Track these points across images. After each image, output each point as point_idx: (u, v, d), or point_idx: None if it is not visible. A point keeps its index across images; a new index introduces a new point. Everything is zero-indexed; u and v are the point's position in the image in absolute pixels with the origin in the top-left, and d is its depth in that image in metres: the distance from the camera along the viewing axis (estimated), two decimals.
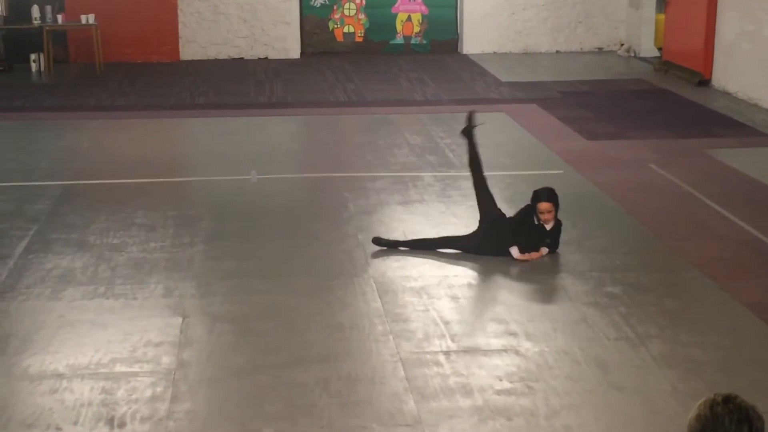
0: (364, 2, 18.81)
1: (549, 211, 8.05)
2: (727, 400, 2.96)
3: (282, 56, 18.54)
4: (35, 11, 16.81)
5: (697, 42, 15.78)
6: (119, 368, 6.23)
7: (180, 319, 6.95)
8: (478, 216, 8.45)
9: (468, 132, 8.52)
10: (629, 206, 9.52)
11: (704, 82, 15.62)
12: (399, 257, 8.17)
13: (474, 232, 8.23)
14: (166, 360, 6.34)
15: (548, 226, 8.10)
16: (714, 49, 15.52)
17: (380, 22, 18.88)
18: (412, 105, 14.44)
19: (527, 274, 7.84)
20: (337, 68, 17.37)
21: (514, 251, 8.01)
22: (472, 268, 7.97)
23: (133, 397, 5.87)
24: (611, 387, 6.02)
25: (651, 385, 6.03)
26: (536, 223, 8.10)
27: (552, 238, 8.17)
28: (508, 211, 9.27)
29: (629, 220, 9.17)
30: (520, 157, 11.46)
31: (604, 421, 5.68)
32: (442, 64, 17.74)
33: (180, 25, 18.26)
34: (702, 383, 6.01)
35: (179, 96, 15.14)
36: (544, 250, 8.11)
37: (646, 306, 7.20)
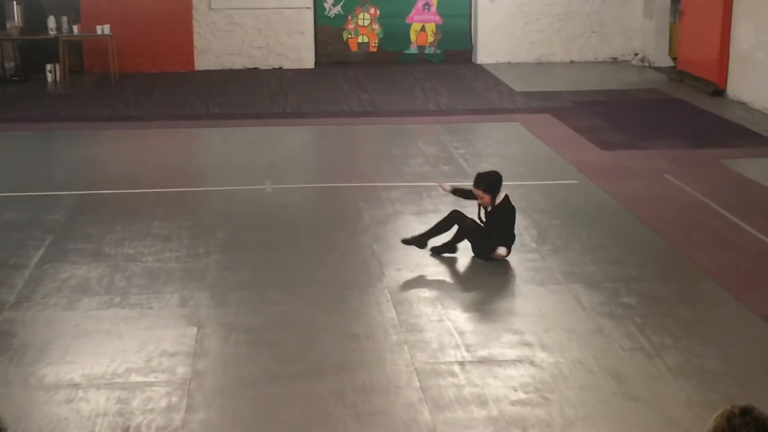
0: (378, 12, 18.85)
1: (482, 197, 8.32)
2: (745, 412, 2.96)
3: (296, 66, 18.59)
4: (51, 22, 16.90)
5: (711, 52, 15.75)
6: (134, 378, 6.25)
7: (195, 329, 6.96)
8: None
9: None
10: (644, 216, 9.50)
11: (719, 91, 15.58)
12: (414, 267, 8.17)
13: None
14: (182, 370, 6.35)
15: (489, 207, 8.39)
16: (729, 59, 15.49)
17: (394, 32, 18.91)
18: (427, 115, 14.45)
19: (542, 284, 7.83)
20: (352, 78, 17.40)
21: (502, 250, 8.27)
22: (487, 279, 7.97)
23: (149, 407, 5.88)
24: (626, 398, 6.01)
25: (666, 396, 6.02)
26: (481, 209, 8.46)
27: (491, 219, 8.33)
28: (523, 220, 9.29)
29: (644, 231, 9.15)
30: (534, 167, 11.45)
31: None
32: (456, 74, 17.74)
33: (195, 36, 18.33)
34: (718, 394, 5.99)
35: (194, 106, 15.19)
36: (501, 251, 8.25)
37: (662, 316, 7.19)
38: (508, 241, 8.30)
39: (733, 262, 8.34)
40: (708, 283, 7.90)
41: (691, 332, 6.94)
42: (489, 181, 8.32)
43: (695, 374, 6.29)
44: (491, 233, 8.28)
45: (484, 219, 8.38)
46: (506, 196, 8.33)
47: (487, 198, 8.29)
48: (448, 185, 8.89)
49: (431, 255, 8.36)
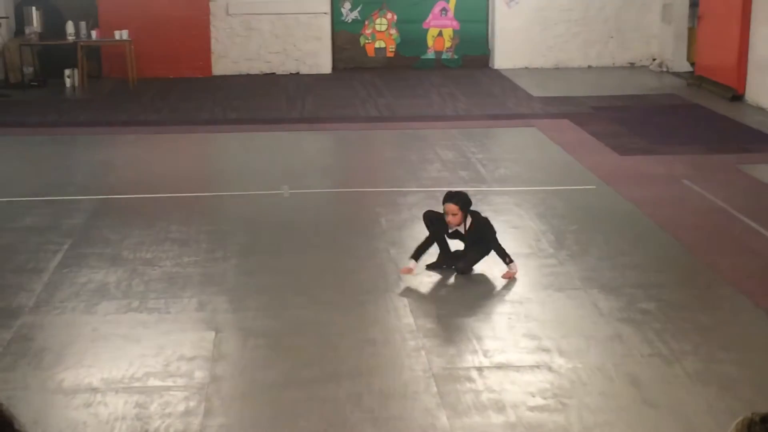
0: (395, 17, 18.86)
1: (454, 214, 7.97)
2: (765, 419, 2.93)
3: (314, 71, 18.61)
4: (70, 27, 16.98)
5: (730, 57, 15.69)
6: (153, 382, 6.26)
7: (213, 334, 6.97)
8: (507, 233, 8.46)
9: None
10: (662, 222, 9.46)
11: (737, 97, 15.53)
12: (431, 273, 8.16)
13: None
14: (199, 374, 6.36)
15: (461, 229, 8.05)
16: (747, 64, 15.43)
17: (411, 38, 18.93)
18: (444, 120, 14.44)
19: (560, 289, 7.80)
20: (369, 83, 17.41)
21: (514, 267, 8.00)
22: (505, 284, 7.95)
23: (167, 411, 5.89)
24: (645, 404, 5.98)
25: (686, 403, 5.98)
26: (450, 230, 8.11)
27: (471, 239, 8.07)
28: (541, 225, 9.29)
29: (662, 236, 9.12)
30: (551, 172, 11.42)
31: None
32: (473, 79, 17.74)
33: (212, 41, 18.39)
34: (738, 401, 5.95)
35: (211, 111, 15.23)
36: (513, 267, 8.00)
37: (681, 322, 7.15)
38: (501, 251, 8.04)
39: (752, 267, 8.30)
40: (727, 288, 7.87)
41: (711, 338, 6.91)
42: (462, 197, 8.05)
43: (715, 380, 6.26)
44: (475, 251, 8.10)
45: (460, 242, 8.17)
46: (475, 214, 8.14)
47: (459, 217, 7.99)
48: (413, 264, 8.06)
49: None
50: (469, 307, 7.51)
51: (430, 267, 8.21)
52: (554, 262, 8.40)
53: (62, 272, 8.22)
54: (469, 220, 8.11)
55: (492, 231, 8.12)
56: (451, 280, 8.05)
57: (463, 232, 8.12)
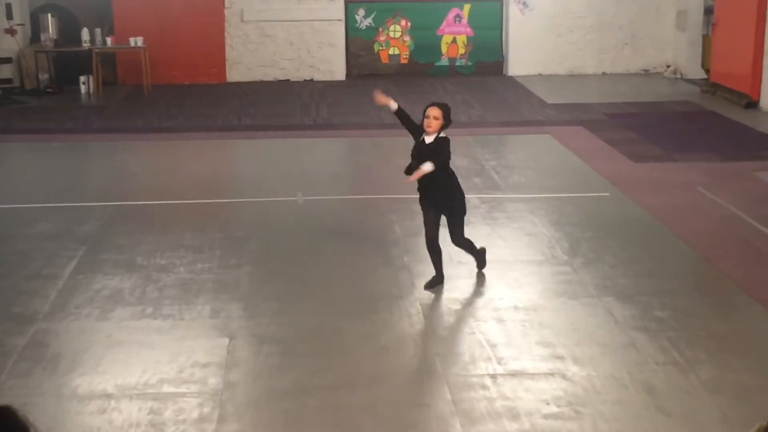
0: (409, 24, 18.88)
1: (435, 118, 7.89)
2: None
3: (328, 78, 18.64)
4: (85, 34, 17.05)
5: (745, 64, 15.65)
6: (167, 389, 6.27)
7: (227, 340, 6.98)
8: (521, 240, 8.44)
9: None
10: (677, 229, 9.44)
11: (752, 104, 15.48)
12: (444, 280, 8.14)
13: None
14: (213, 381, 6.37)
15: (429, 138, 7.93)
16: (762, 71, 15.39)
17: (425, 44, 18.94)
18: (458, 127, 14.37)
19: (574, 297, 7.79)
20: (383, 90, 17.35)
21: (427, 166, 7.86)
22: (518, 291, 7.94)
23: (181, 417, 5.90)
24: (660, 412, 5.96)
25: (700, 411, 5.96)
26: (420, 139, 8.01)
27: (432, 150, 7.92)
28: (555, 233, 9.28)
29: (677, 244, 9.09)
30: (566, 179, 11.41)
31: None
32: (487, 86, 17.73)
33: (227, 48, 18.43)
34: (752, 409, 5.92)
35: (226, 118, 15.26)
36: (426, 167, 7.85)
37: (695, 330, 7.13)
38: (446, 174, 8.01)
39: (767, 275, 8.26)
40: (741, 296, 7.84)
41: (725, 346, 6.88)
42: (447, 107, 8.00)
43: (729, 388, 6.23)
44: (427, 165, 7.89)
45: (419, 157, 8.00)
46: (446, 136, 8.00)
47: (437, 124, 7.88)
48: (393, 102, 8.36)
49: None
50: (482, 314, 7.50)
51: (426, 287, 8.00)
52: (568, 270, 8.38)
53: (77, 278, 8.25)
54: (441, 135, 7.95)
55: (446, 144, 7.95)
56: (464, 286, 8.04)
57: (429, 141, 7.95)
